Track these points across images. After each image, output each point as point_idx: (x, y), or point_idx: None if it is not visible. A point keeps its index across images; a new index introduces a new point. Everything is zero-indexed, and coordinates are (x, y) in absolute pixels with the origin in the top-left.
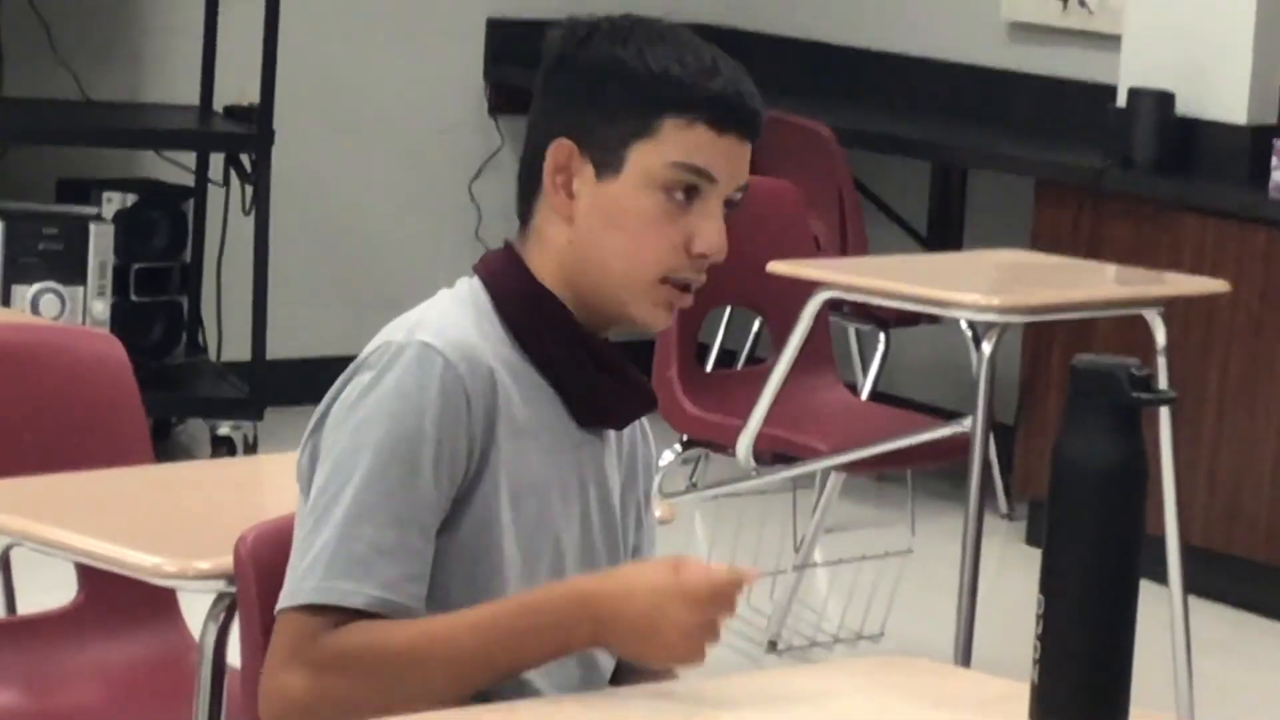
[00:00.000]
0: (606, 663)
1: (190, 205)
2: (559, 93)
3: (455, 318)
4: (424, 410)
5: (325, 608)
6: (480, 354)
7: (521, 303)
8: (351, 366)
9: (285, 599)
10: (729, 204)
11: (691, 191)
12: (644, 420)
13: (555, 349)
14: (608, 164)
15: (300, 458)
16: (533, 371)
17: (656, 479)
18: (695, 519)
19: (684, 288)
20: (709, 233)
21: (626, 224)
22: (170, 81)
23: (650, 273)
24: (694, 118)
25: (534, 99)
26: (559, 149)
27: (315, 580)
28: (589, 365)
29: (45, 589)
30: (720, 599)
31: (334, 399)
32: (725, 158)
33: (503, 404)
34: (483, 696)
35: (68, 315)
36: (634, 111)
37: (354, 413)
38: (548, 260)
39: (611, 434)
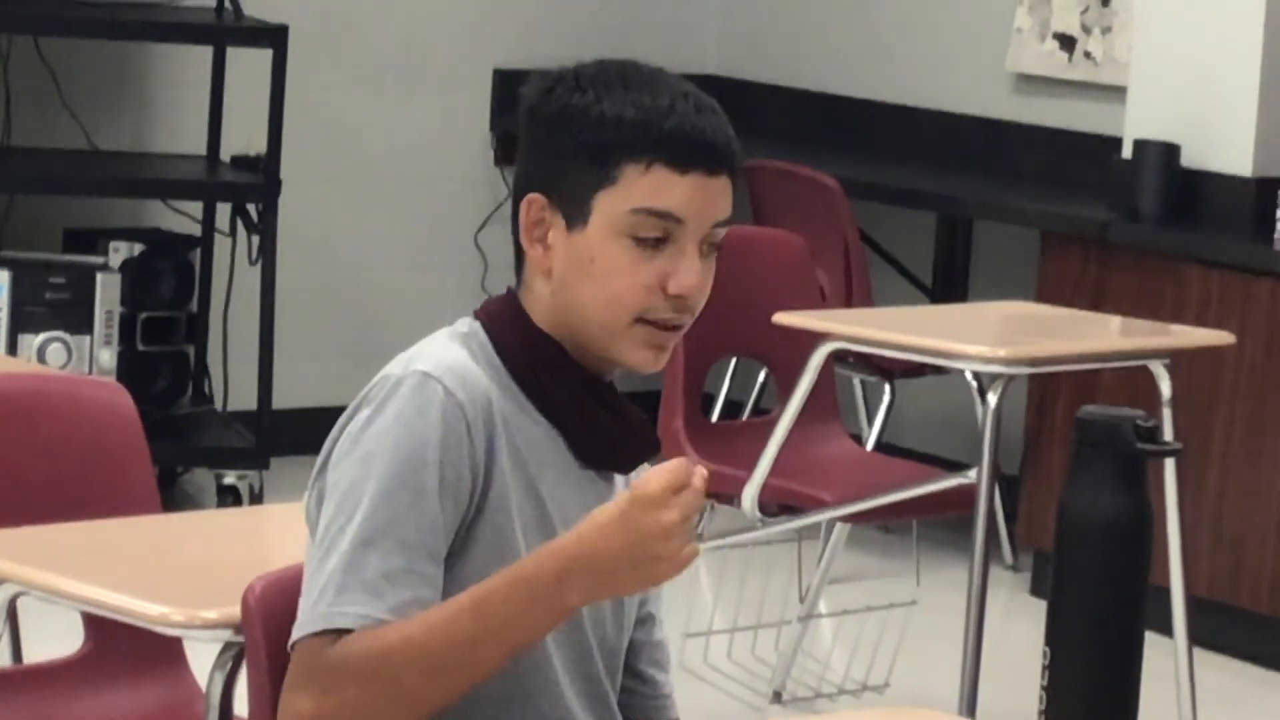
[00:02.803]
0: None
1: (197, 255)
2: (529, 146)
3: (453, 350)
4: (426, 438)
5: (335, 632)
6: (478, 381)
7: (521, 345)
8: (353, 404)
9: (297, 631)
10: (709, 241)
11: (663, 235)
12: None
13: (555, 390)
14: (575, 215)
15: (307, 500)
16: (534, 411)
17: None
18: (700, 570)
19: (666, 327)
20: (683, 273)
21: (596, 272)
22: (177, 131)
23: (624, 316)
24: (650, 160)
25: (516, 154)
26: (531, 204)
27: (324, 607)
28: (591, 405)
29: (52, 638)
30: (678, 486)
31: (336, 438)
32: (690, 196)
33: (502, 431)
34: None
35: (74, 364)
36: (593, 160)
37: (357, 446)
38: (541, 312)
39: (619, 480)
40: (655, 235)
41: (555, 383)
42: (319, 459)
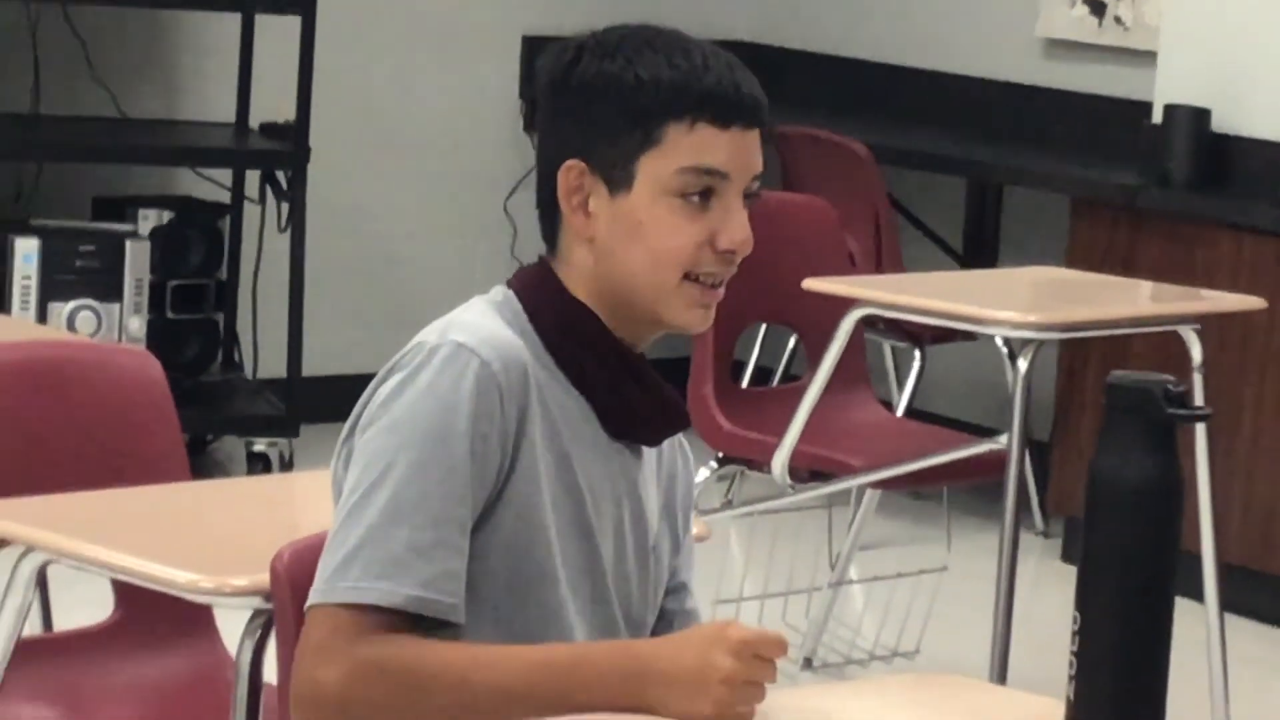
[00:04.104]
0: None
1: (226, 222)
2: (559, 116)
3: (490, 319)
4: (458, 409)
5: (363, 606)
6: (515, 351)
7: (555, 315)
8: (384, 369)
9: (318, 595)
10: (747, 195)
11: (707, 191)
12: (686, 445)
13: (588, 360)
14: (619, 180)
15: (335, 464)
16: (566, 381)
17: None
18: (731, 536)
19: (713, 285)
20: (732, 228)
21: (647, 234)
22: (206, 99)
23: (675, 274)
24: (694, 118)
25: (538, 125)
26: (569, 172)
27: (352, 580)
28: (623, 378)
29: (81, 605)
30: (764, 648)
31: (367, 402)
32: (733, 151)
33: (536, 402)
34: None
35: (104, 332)
36: (635, 125)
37: (387, 413)
38: (579, 280)
39: (650, 454)
40: (700, 191)
41: (587, 353)
42: (349, 421)
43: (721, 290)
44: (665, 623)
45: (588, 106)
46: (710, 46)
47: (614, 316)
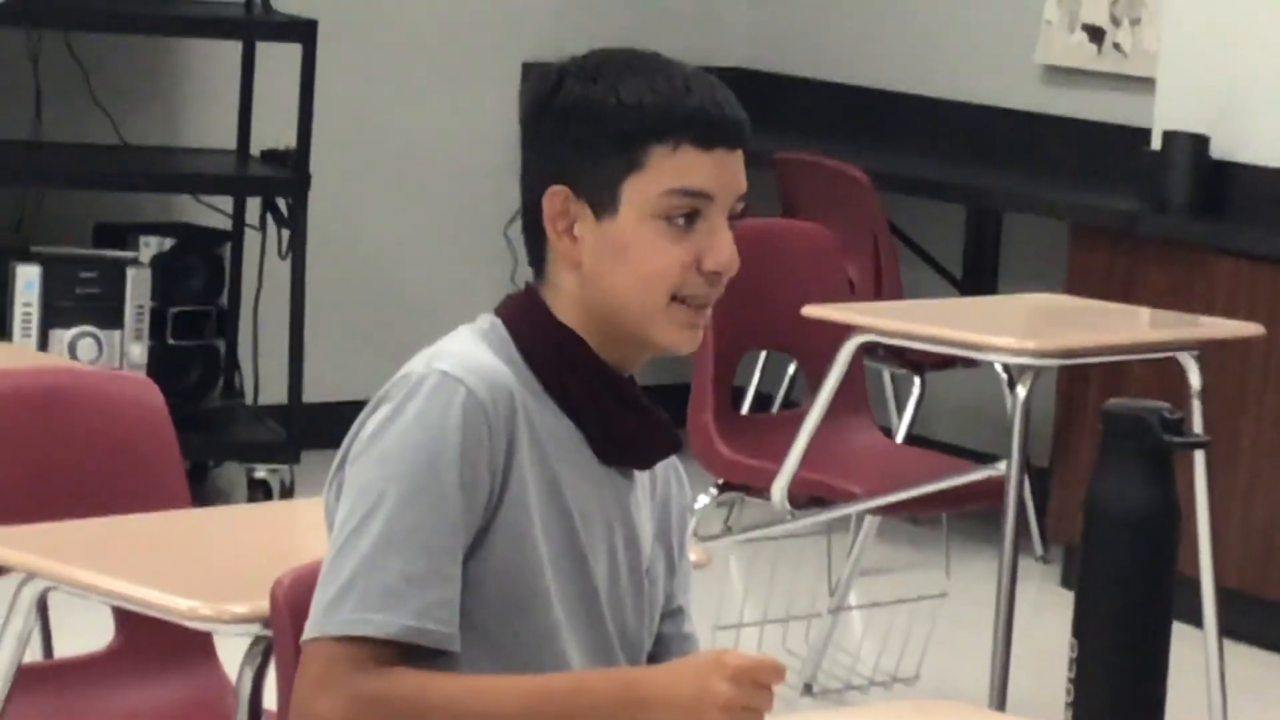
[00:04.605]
0: None
1: (227, 249)
2: (542, 141)
3: (476, 348)
4: (446, 438)
5: (359, 638)
6: (502, 379)
7: (543, 341)
8: (373, 401)
9: (314, 629)
10: (731, 216)
11: (692, 213)
12: (680, 467)
13: (576, 385)
14: (604, 203)
15: (326, 496)
16: (555, 407)
17: (691, 523)
18: (730, 562)
19: (699, 305)
20: (718, 249)
21: (633, 257)
22: (207, 126)
23: (662, 296)
24: (677, 141)
25: (522, 151)
26: (554, 197)
27: (348, 612)
28: (612, 402)
29: (82, 632)
30: (761, 674)
31: (356, 433)
32: (717, 172)
33: (524, 429)
34: None
35: (105, 359)
36: (618, 148)
37: (376, 444)
38: (566, 305)
39: (642, 477)
40: (685, 213)
41: (576, 378)
42: (339, 453)
43: (708, 311)
44: (663, 647)
45: (570, 131)
46: (691, 69)
47: (602, 340)
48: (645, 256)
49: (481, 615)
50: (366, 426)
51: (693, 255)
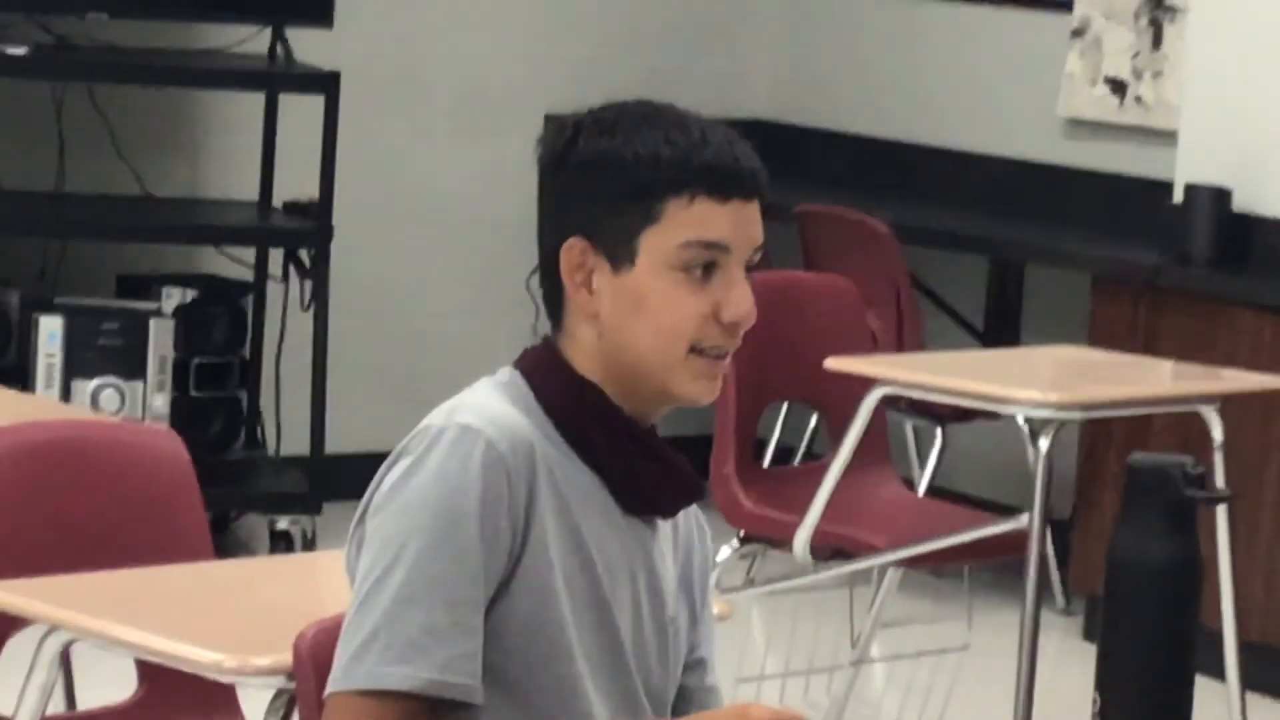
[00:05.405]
0: None
1: (250, 300)
2: (559, 193)
3: (495, 400)
4: (467, 490)
5: (382, 692)
6: (521, 430)
7: (562, 393)
8: (393, 454)
9: (337, 682)
10: (748, 266)
11: (709, 265)
12: (701, 517)
13: (597, 436)
14: (621, 256)
15: (348, 549)
16: (575, 458)
17: (713, 575)
18: (752, 615)
19: (718, 356)
20: (736, 300)
21: (650, 309)
22: (230, 177)
23: (680, 347)
24: (694, 193)
25: (539, 203)
26: (571, 249)
27: (370, 665)
28: (633, 452)
29: (105, 684)
30: None
31: (376, 487)
32: (734, 224)
33: (545, 480)
34: None
35: (128, 410)
36: (635, 201)
37: (397, 497)
38: (585, 357)
39: (665, 526)
40: (703, 265)
41: (597, 429)
42: (359, 507)
43: (727, 361)
44: (686, 700)
45: (587, 184)
46: (707, 120)
47: (621, 391)
48: (663, 308)
49: (504, 667)
50: (387, 480)
51: (710, 307)
